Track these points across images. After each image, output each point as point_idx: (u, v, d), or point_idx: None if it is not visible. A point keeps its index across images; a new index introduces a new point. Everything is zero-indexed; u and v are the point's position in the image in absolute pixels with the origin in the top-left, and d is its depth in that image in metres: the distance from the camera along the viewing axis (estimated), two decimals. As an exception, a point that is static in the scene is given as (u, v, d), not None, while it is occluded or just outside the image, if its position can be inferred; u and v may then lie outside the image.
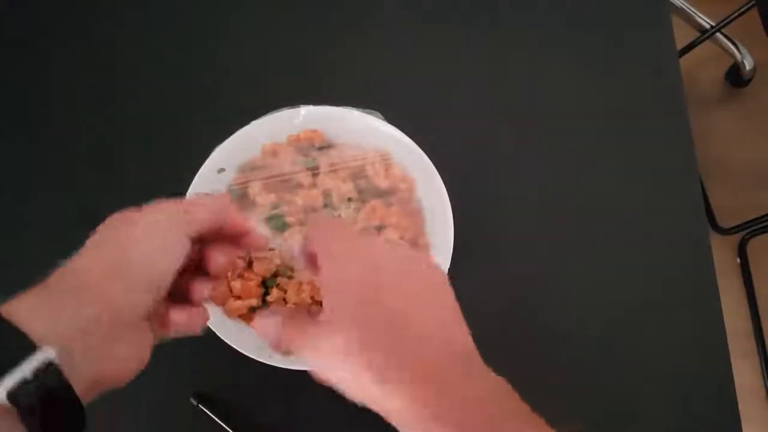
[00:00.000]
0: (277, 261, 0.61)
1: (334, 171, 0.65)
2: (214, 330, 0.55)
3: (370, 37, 0.73)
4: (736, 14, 1.33)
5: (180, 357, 0.59)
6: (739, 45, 1.47)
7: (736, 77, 1.50)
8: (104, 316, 0.33)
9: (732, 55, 1.49)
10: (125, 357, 0.35)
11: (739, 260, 1.39)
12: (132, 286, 0.36)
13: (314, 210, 0.63)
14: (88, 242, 0.38)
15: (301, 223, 0.62)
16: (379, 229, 0.62)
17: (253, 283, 0.60)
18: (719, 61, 1.52)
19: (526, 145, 0.67)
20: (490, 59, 0.71)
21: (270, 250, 0.61)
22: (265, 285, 0.61)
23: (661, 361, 0.58)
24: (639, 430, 0.56)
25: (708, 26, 1.43)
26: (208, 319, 0.43)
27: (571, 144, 0.68)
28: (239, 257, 0.61)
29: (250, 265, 0.62)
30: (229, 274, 0.60)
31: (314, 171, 0.64)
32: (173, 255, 0.38)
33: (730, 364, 0.57)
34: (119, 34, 0.73)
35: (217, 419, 0.57)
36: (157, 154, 0.68)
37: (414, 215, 0.63)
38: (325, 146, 0.66)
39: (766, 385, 1.30)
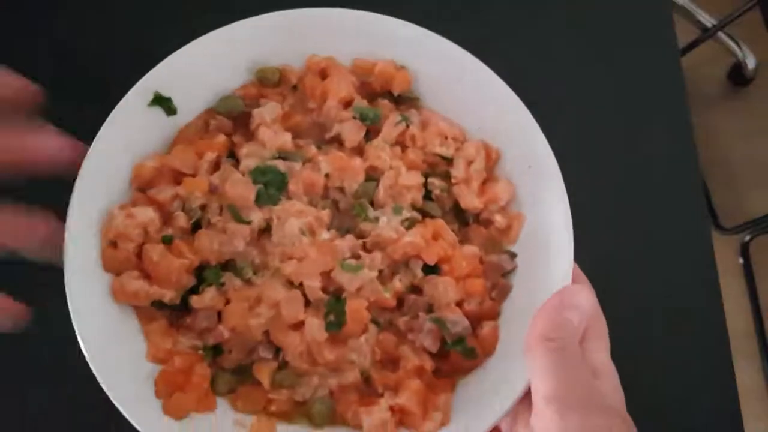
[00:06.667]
0: (240, 244, 0.40)
1: (403, 144, 0.44)
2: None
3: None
4: (738, 13, 1.32)
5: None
6: (742, 44, 1.47)
7: (738, 76, 1.50)
8: None
9: (734, 54, 1.48)
10: None
11: (741, 260, 1.39)
12: None
13: (341, 191, 0.42)
14: None
15: (310, 202, 0.42)
16: (429, 272, 0.42)
17: (183, 263, 0.39)
18: (721, 60, 1.51)
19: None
20: (489, 60, 0.71)
21: (247, 222, 0.40)
22: (201, 276, 0.41)
23: (662, 361, 0.57)
24: (639, 429, 0.57)
25: (710, 25, 1.41)
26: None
27: (572, 143, 0.66)
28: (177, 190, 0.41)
29: (194, 230, 0.41)
30: (150, 230, 0.40)
31: (372, 129, 0.44)
32: None
33: (732, 364, 0.57)
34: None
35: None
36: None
37: (496, 271, 0.42)
38: (407, 99, 0.45)
39: None
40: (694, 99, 1.35)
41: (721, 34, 1.43)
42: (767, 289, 1.36)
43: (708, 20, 1.42)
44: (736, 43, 1.46)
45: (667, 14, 0.69)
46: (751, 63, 1.46)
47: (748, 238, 1.39)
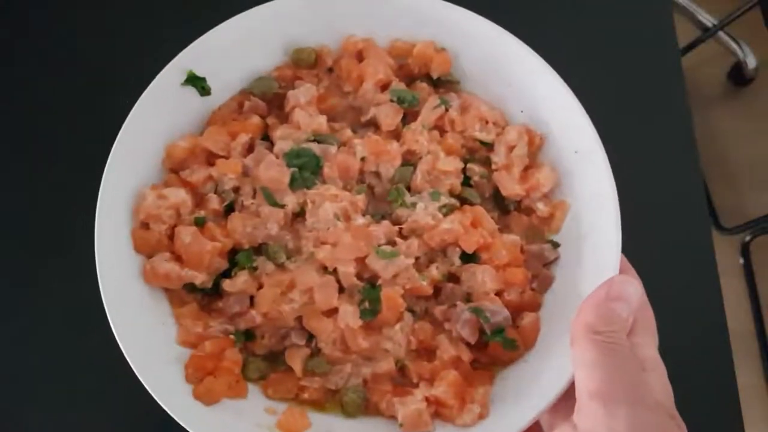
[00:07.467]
0: (273, 227, 0.39)
1: (441, 128, 0.42)
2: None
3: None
4: (738, 13, 1.31)
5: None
6: (742, 44, 1.45)
7: (738, 76, 1.49)
8: None
9: (734, 54, 1.46)
10: None
11: (742, 260, 1.39)
12: None
13: (377, 175, 0.41)
14: None
15: (345, 186, 0.41)
16: (467, 261, 0.40)
17: (215, 246, 0.38)
18: (722, 60, 1.49)
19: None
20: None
21: (280, 206, 0.39)
22: (233, 259, 0.40)
23: (662, 360, 0.59)
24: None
25: (710, 25, 1.41)
26: None
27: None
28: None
29: (227, 212, 0.40)
30: (182, 212, 0.39)
31: (409, 112, 0.42)
32: None
33: (732, 364, 0.56)
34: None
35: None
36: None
37: (538, 261, 0.40)
38: (447, 82, 0.43)
39: (768, 386, 1.29)
40: (694, 99, 1.36)
41: (721, 34, 1.43)
42: (767, 289, 1.36)
43: (708, 20, 1.42)
44: (737, 42, 1.45)
45: (667, 14, 0.69)
46: (751, 63, 1.45)
47: (748, 238, 1.38)
